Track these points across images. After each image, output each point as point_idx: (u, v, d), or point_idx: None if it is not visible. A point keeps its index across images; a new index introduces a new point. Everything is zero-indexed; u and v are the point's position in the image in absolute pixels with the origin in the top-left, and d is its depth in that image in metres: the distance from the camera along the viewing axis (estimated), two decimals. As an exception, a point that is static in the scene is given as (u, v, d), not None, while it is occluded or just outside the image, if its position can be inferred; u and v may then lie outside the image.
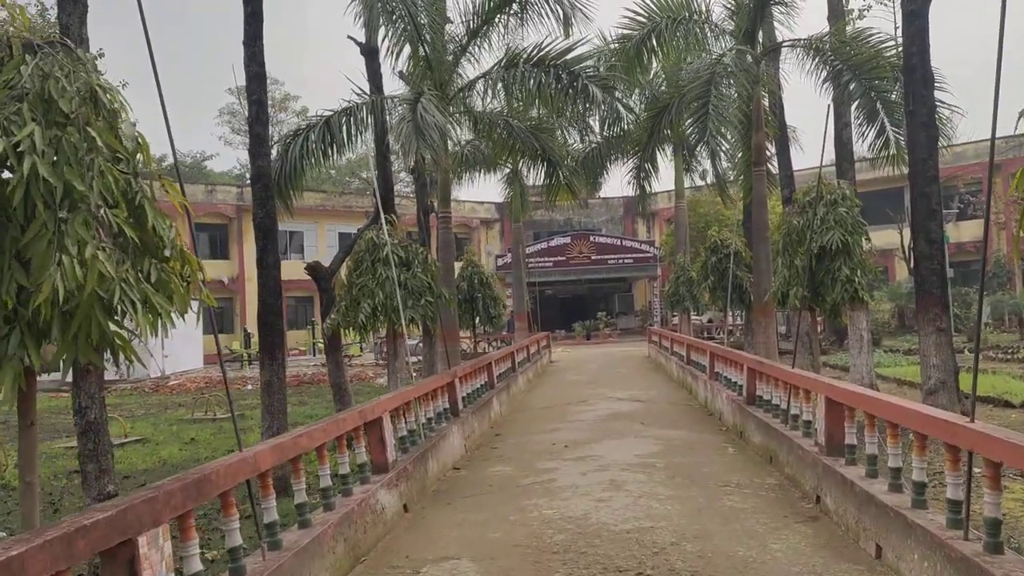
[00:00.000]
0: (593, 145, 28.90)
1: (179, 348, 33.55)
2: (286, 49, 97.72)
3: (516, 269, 32.33)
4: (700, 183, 39.00)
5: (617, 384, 19.60)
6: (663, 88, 23.45)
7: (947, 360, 11.75)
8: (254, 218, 10.13)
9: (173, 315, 4.25)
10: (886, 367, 19.98)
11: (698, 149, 29.17)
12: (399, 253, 10.97)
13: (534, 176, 22.42)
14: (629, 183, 20.19)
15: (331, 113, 14.42)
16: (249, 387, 27.02)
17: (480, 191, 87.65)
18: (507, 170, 31.54)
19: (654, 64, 26.40)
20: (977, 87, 12.81)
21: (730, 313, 35.55)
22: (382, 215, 10.75)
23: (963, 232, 40.28)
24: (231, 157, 79.77)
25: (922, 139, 12.04)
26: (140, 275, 4.04)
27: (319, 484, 6.33)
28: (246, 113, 10.06)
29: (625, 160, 27.91)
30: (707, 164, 34.03)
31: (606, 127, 16.52)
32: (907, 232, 37.50)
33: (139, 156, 4.29)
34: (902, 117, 13.10)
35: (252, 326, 39.02)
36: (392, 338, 11.80)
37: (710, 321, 42.07)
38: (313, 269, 12.94)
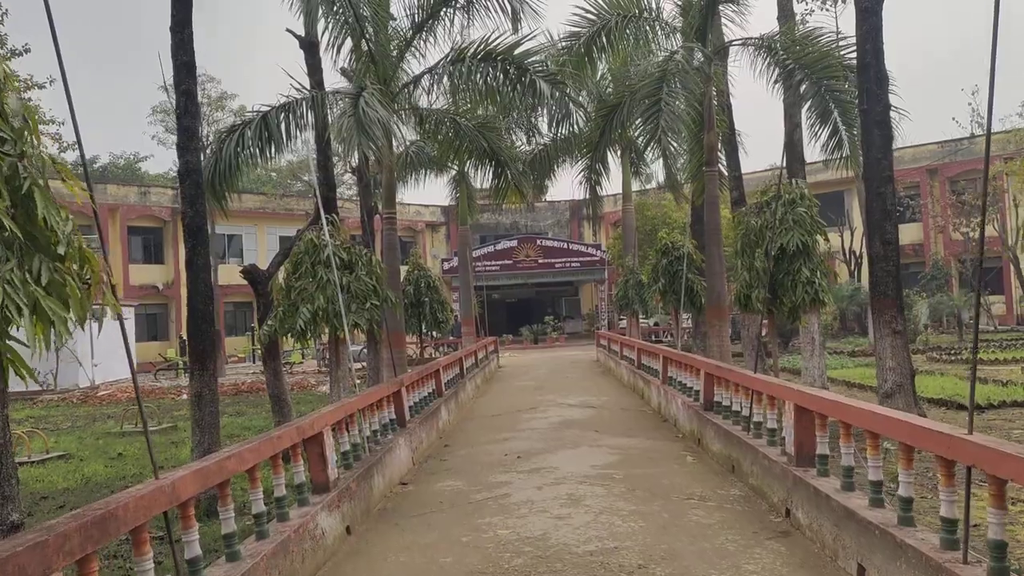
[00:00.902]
0: (540, 147, 28.58)
1: (110, 356, 32.10)
2: (230, 48, 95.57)
3: (463, 273, 31.75)
4: (648, 186, 39.19)
5: (568, 390, 19.19)
6: (610, 90, 23.18)
7: (903, 363, 11.59)
8: (183, 217, 9.41)
9: (73, 323, 3.59)
10: (833, 369, 19.97)
11: (647, 151, 29.16)
12: (341, 255, 10.33)
13: (481, 178, 21.95)
14: (580, 184, 19.87)
15: (268, 109, 13.70)
16: (184, 396, 25.90)
17: (426, 194, 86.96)
18: (454, 172, 31.00)
19: (602, 64, 26.24)
20: (913, 90, 12.71)
21: (682, 317, 35.62)
22: (323, 215, 10.09)
23: (902, 236, 41.00)
24: (166, 158, 77.32)
25: (876, 138, 11.87)
26: (28, 276, 3.40)
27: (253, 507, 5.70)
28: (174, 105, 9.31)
29: (573, 162, 27.64)
30: (655, 167, 34.14)
31: (555, 126, 16.08)
32: (847, 236, 38.23)
33: (27, 135, 3.64)
34: (855, 117, 12.96)
35: (188, 333, 37.57)
36: (335, 345, 11.14)
37: (656, 324, 42.08)
38: (249, 273, 12.19)
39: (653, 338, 35.66)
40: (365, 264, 10.65)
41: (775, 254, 10.17)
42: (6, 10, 35.31)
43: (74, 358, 28.60)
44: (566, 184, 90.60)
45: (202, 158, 14.32)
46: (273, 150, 13.75)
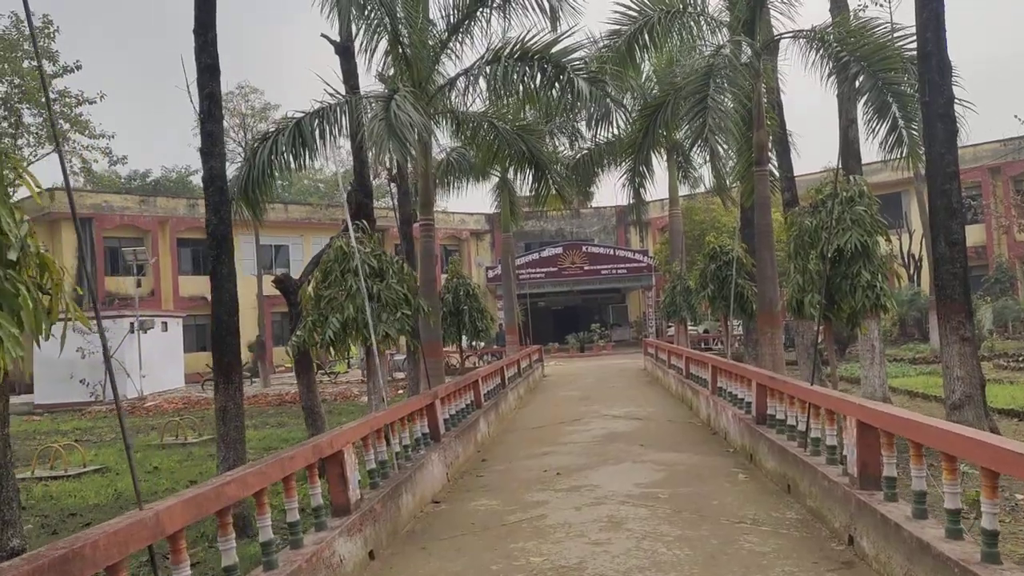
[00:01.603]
0: (584, 151, 28.03)
1: (159, 367, 32.42)
2: (268, 59, 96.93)
3: (506, 280, 31.30)
4: (696, 191, 38.25)
5: (613, 400, 18.56)
6: (655, 92, 22.52)
7: (972, 372, 10.76)
8: (207, 225, 9.11)
9: (33, 337, 3.18)
10: (894, 378, 19.01)
11: (692, 151, 28.38)
12: (371, 262, 9.92)
13: (523, 183, 21.51)
14: (623, 186, 19.27)
15: (302, 115, 13.42)
16: (229, 407, 25.85)
17: (470, 202, 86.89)
18: (496, 179, 30.61)
19: (646, 64, 25.60)
20: (973, 89, 11.92)
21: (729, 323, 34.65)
22: (349, 222, 9.71)
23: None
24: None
25: (940, 132, 11.08)
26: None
27: (283, 519, 5.26)
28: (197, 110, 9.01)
29: (617, 166, 27.03)
30: (702, 170, 33.26)
31: (596, 127, 15.46)
32: (906, 238, 36.81)
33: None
34: (916, 111, 12.17)
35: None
36: (368, 355, 10.74)
37: (706, 332, 41.07)
38: (281, 282, 11.90)
39: (702, 346, 34.74)
40: (396, 272, 10.24)
41: (831, 256, 9.49)
42: (57, 27, 36.06)
43: (122, 369, 28.85)
44: (611, 189, 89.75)
45: (235, 165, 14.18)
46: (307, 157, 13.46)
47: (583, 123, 26.62)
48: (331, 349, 9.99)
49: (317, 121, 13.42)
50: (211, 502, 4.41)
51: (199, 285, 42.12)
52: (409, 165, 14.46)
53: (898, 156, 12.37)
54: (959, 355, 11.01)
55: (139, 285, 32.83)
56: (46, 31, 34.40)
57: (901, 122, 12.17)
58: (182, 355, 35.02)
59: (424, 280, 14.10)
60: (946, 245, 11.09)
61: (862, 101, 12.84)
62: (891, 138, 12.38)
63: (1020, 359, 22.82)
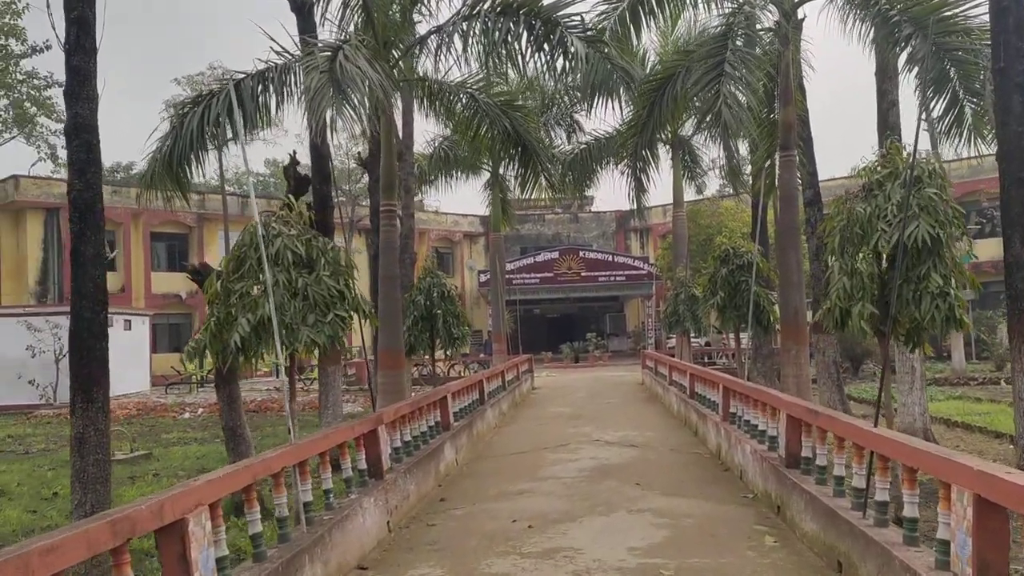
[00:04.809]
0: (582, 146, 25.86)
1: (122, 368, 30.11)
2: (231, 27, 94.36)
3: (494, 284, 29.03)
4: (700, 197, 36.00)
5: (606, 420, 16.30)
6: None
7: (1057, 405, 8.57)
8: (69, 190, 6.89)
9: None
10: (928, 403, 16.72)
11: (703, 141, 26.11)
12: (296, 248, 7.68)
13: (514, 177, 19.37)
14: (623, 174, 17.04)
15: (242, 76, 11.22)
16: (187, 415, 23.64)
17: (465, 204, 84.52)
18: (487, 174, 28.41)
19: (652, 56, 23.43)
20: None
21: (732, 337, 32.37)
22: (249, 202, 7.46)
23: (982, 251, 37.17)
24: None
25: (1017, 105, 8.86)
26: None
27: None
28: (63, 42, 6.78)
29: (618, 163, 24.82)
30: (710, 173, 31.06)
31: (594, 101, 13.09)
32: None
33: None
34: (983, 82, 9.98)
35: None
36: (294, 366, 8.50)
37: (708, 344, 38.80)
38: (198, 272, 9.66)
39: (706, 360, 32.48)
40: (331, 261, 7.99)
41: (889, 253, 7.27)
42: (27, 3, 33.87)
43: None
44: (611, 194, 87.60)
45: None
46: (246, 126, 11.26)
47: (582, 113, 24.53)
48: (240, 358, 7.72)
49: (260, 85, 11.24)
50: None
51: (174, 282, 39.90)
52: (361, 128, 12.23)
53: (955, 135, 10.14)
54: (1037, 383, 8.83)
55: (100, 280, 30.51)
56: (12, 7, 32.26)
57: (963, 96, 9.96)
58: (148, 356, 32.73)
59: (384, 276, 11.91)
60: (1022, 246, 8.88)
61: (913, 72, 10.62)
62: (949, 117, 10.16)
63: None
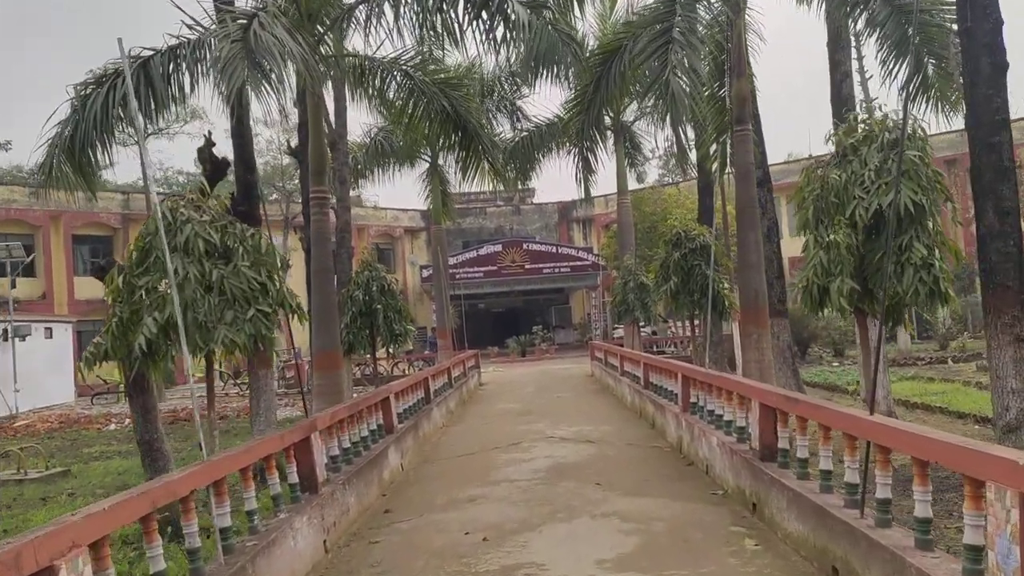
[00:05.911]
0: (524, 133, 25.13)
1: (42, 379, 28.34)
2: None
3: (437, 279, 28.11)
4: (642, 185, 35.61)
5: (559, 415, 15.59)
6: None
7: (1034, 382, 8.16)
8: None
9: None
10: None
11: (646, 124, 25.58)
12: (208, 236, 6.74)
13: (454, 165, 18.52)
14: (569, 153, 16.34)
15: (151, 53, 10.16)
16: (112, 426, 22.18)
17: (404, 198, 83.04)
18: (427, 164, 27.46)
19: (591, 40, 22.77)
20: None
21: (682, 324, 31.98)
22: (146, 182, 6.50)
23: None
24: (122, 158, 72.13)
25: (985, 67, 8.45)
26: None
27: None
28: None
29: (560, 150, 24.17)
30: (648, 164, 30.63)
31: (538, 74, 12.36)
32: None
33: None
34: (946, 45, 9.51)
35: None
36: (210, 371, 7.57)
37: (654, 333, 38.52)
38: (103, 271, 8.60)
39: (655, 349, 32.12)
40: (250, 251, 7.07)
41: (868, 222, 6.68)
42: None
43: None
44: (554, 181, 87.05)
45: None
46: (156, 107, 10.19)
47: (525, 98, 23.82)
48: (148, 362, 6.77)
49: (172, 62, 10.19)
50: None
51: (98, 286, 37.83)
52: (276, 103, 11.25)
53: (922, 102, 9.66)
54: (1014, 361, 8.36)
55: (13, 286, 28.67)
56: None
57: (927, 59, 9.48)
58: (72, 365, 30.90)
59: (317, 269, 10.97)
60: (995, 215, 8.39)
61: (875, 36, 10.10)
62: (915, 82, 9.66)
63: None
